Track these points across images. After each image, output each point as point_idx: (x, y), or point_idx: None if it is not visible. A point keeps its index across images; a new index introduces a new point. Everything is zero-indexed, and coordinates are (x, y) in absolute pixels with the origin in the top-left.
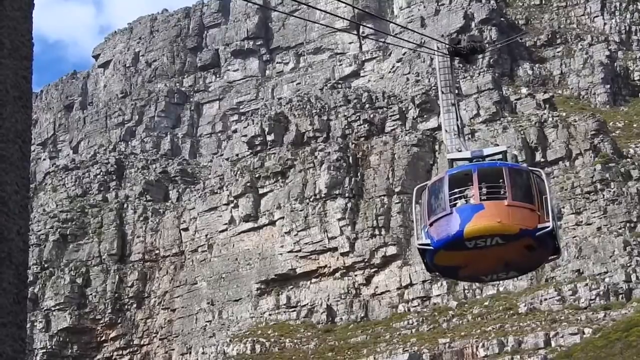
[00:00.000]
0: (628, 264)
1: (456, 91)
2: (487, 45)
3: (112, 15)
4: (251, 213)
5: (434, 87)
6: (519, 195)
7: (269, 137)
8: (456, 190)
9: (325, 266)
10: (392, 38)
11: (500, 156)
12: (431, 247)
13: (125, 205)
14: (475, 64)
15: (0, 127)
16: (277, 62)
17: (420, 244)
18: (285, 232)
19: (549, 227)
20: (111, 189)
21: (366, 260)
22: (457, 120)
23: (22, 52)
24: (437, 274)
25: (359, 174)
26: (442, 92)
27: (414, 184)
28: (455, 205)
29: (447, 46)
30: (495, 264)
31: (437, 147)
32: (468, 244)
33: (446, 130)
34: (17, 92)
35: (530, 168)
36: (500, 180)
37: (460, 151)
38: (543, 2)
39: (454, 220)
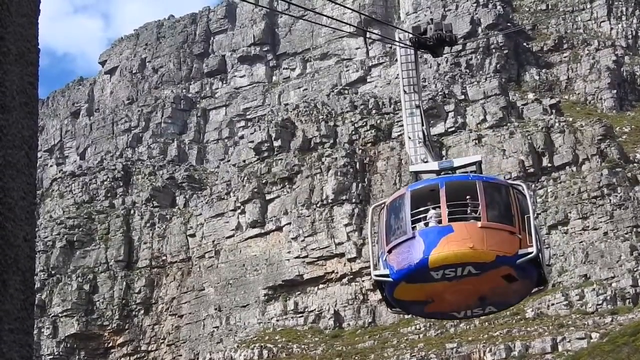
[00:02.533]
0: (635, 269)
1: (422, 90)
2: (457, 36)
3: (120, 27)
4: (258, 219)
5: (440, 93)
6: (495, 214)
7: (276, 143)
8: (420, 209)
9: (333, 272)
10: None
11: (473, 167)
12: (390, 279)
13: (132, 212)
14: (442, 56)
15: (7, 133)
16: (283, 68)
17: (377, 275)
18: (292, 238)
19: (532, 252)
20: (118, 195)
21: None
22: (423, 124)
23: (28, 58)
24: (399, 310)
25: (365, 179)
26: (405, 92)
27: None
28: (417, 227)
29: (410, 36)
30: (468, 298)
31: (444, 153)
32: (434, 274)
33: (409, 137)
34: (23, 98)
35: (509, 182)
36: (469, 197)
37: (426, 162)
38: (550, 7)
39: (417, 246)
